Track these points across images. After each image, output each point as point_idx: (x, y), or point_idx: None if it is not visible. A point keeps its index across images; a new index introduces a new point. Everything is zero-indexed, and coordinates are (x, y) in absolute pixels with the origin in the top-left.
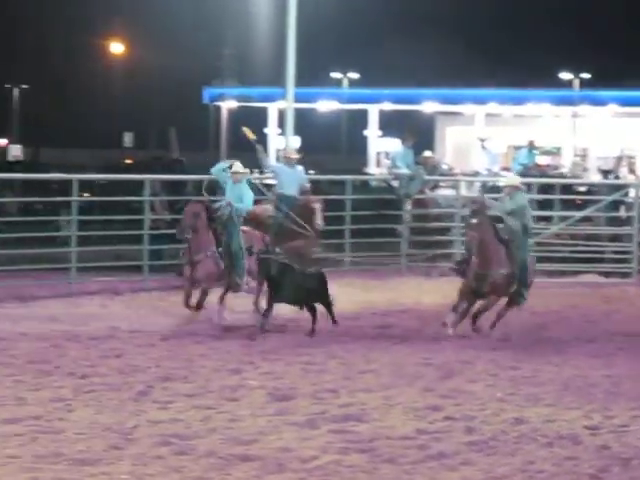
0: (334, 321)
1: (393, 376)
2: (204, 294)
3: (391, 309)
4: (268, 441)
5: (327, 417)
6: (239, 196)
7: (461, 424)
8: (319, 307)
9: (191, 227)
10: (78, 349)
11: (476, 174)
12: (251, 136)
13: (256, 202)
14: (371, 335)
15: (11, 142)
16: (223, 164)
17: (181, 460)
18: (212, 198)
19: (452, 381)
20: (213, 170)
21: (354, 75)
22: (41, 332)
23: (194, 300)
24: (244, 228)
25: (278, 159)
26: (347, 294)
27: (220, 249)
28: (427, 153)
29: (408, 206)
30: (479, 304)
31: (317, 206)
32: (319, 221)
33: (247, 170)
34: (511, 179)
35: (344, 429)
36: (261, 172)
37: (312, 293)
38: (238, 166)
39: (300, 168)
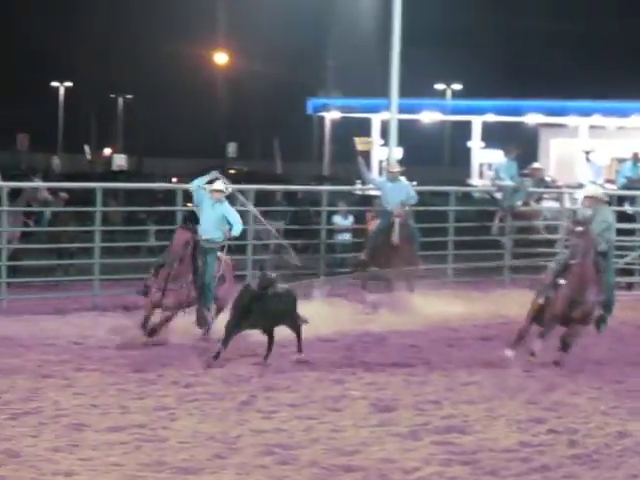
0: (299, 349)
1: (495, 388)
2: (167, 321)
3: (493, 321)
4: (370, 452)
5: (429, 428)
6: (219, 218)
7: (564, 437)
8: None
9: (181, 257)
10: (181, 358)
11: (580, 186)
12: (361, 147)
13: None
14: (473, 347)
15: (115, 152)
16: (201, 180)
17: (284, 470)
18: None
19: (555, 394)
20: (192, 185)
21: (457, 86)
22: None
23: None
24: (219, 255)
25: (381, 171)
26: (449, 306)
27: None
28: (536, 165)
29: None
30: (564, 331)
31: (397, 221)
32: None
33: (229, 188)
34: (593, 190)
35: (447, 441)
36: (363, 183)
37: (280, 317)
38: (219, 184)
39: (405, 182)
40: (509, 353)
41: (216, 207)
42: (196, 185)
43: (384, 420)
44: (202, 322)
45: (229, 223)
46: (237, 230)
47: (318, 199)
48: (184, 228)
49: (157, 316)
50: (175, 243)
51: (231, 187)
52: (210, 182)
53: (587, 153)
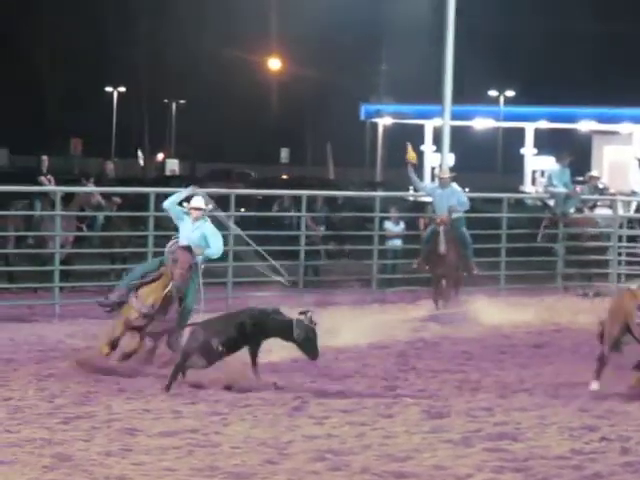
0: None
1: (547, 395)
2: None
3: (546, 328)
4: (422, 458)
5: (482, 435)
6: (199, 239)
7: (617, 445)
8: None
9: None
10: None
11: (633, 194)
12: (411, 155)
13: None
14: (526, 354)
15: (168, 157)
16: (176, 196)
17: (335, 476)
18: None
19: (607, 401)
20: (165, 204)
21: (510, 93)
22: None
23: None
24: None
25: (433, 177)
26: (502, 312)
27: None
28: (594, 172)
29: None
30: None
31: (441, 229)
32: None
33: (210, 205)
34: None
35: (499, 448)
36: (415, 190)
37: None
38: (198, 200)
39: (457, 188)
40: (595, 386)
41: (196, 226)
42: (168, 205)
43: (436, 427)
44: (175, 345)
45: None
46: (211, 253)
47: (369, 205)
48: (185, 249)
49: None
50: (179, 266)
51: (212, 204)
52: (188, 199)
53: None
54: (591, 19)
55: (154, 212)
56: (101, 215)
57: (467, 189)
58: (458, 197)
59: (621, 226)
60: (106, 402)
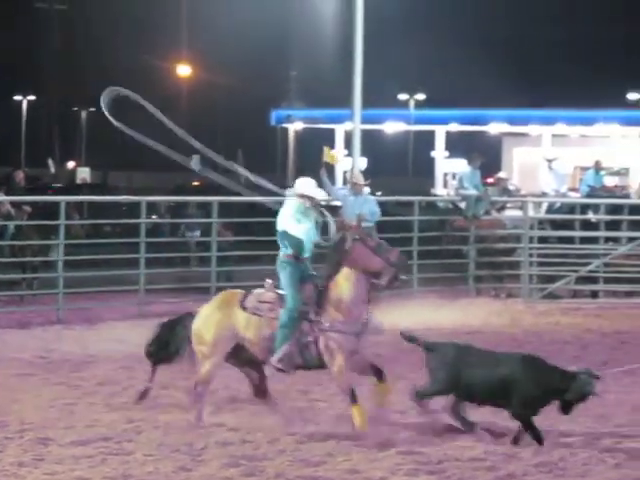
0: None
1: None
2: None
3: (458, 330)
4: (336, 463)
5: (396, 439)
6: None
7: (530, 446)
8: None
9: None
10: (148, 371)
11: (543, 195)
12: (330, 157)
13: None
14: None
15: (79, 165)
16: None
17: None
18: None
19: None
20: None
21: (421, 96)
22: (110, 354)
23: None
24: None
25: (345, 182)
26: (414, 315)
27: None
28: (501, 174)
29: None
30: None
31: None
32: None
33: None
34: None
35: (413, 451)
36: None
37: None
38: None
39: (370, 197)
40: None
41: None
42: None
43: (350, 431)
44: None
45: None
46: None
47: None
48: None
49: None
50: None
51: None
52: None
53: (549, 161)
54: (500, 22)
55: (64, 220)
56: (11, 224)
57: (379, 192)
58: (370, 206)
59: (532, 227)
60: (18, 412)
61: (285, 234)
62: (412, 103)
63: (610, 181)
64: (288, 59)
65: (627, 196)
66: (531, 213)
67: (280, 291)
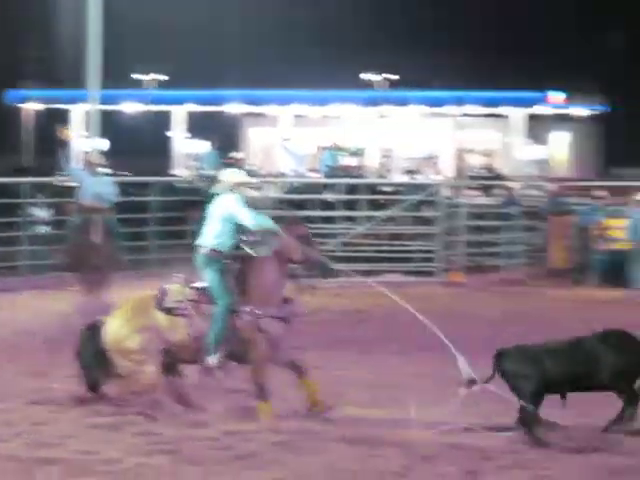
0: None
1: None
2: None
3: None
4: (71, 444)
5: (131, 420)
6: None
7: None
8: None
9: None
10: None
11: (282, 175)
12: (65, 134)
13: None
14: None
15: None
16: None
17: None
18: None
19: None
20: None
21: (161, 77)
22: None
23: None
24: None
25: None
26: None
27: None
28: (238, 154)
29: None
30: None
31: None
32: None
33: None
34: None
35: (149, 431)
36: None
37: None
38: None
39: (105, 177)
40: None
41: None
42: None
43: (85, 412)
44: None
45: None
46: None
47: (16, 191)
48: None
49: None
50: None
51: None
52: None
53: (285, 142)
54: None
55: None
56: None
57: (126, 173)
58: (107, 186)
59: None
60: None
61: (238, 226)
62: (151, 83)
63: (350, 161)
64: (25, 39)
65: (362, 176)
66: (271, 193)
67: (197, 285)
